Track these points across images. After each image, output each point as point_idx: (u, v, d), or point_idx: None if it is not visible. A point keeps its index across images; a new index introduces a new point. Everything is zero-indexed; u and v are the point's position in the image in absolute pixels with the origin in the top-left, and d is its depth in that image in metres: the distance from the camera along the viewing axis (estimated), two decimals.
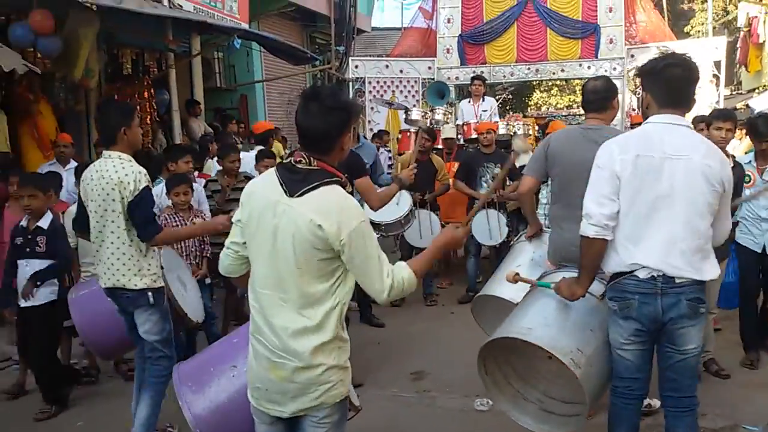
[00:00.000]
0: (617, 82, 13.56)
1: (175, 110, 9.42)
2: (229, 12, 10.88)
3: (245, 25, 11.23)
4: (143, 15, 7.90)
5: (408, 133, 9.46)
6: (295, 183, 2.38)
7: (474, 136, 8.93)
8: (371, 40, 19.45)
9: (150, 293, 3.92)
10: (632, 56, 13.54)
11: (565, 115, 24.64)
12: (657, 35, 13.99)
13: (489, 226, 7.38)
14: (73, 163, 6.37)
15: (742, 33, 16.64)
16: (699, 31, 21.11)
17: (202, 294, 5.18)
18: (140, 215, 3.80)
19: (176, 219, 5.52)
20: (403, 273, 2.47)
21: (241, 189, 5.85)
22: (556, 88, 30.28)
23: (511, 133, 9.00)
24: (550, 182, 4.34)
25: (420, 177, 6.92)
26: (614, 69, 13.54)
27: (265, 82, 13.37)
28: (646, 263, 2.93)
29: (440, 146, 8.97)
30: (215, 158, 6.92)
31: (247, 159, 7.12)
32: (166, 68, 9.68)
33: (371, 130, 13.37)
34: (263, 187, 2.52)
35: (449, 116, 9.39)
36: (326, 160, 2.44)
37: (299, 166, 2.41)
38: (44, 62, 8.02)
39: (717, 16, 16.71)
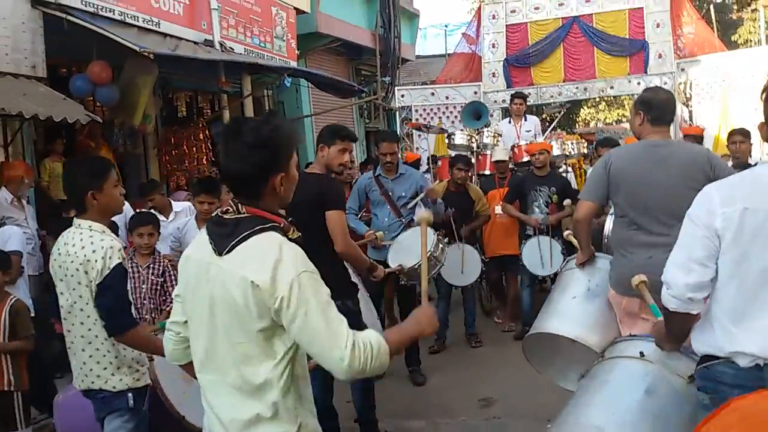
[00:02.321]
0: None
1: None
2: (278, 51, 11.12)
3: (294, 63, 11.47)
4: (197, 60, 8.14)
5: (449, 159, 8.55)
6: (223, 238, 2.01)
7: (525, 159, 8.30)
8: (415, 68, 19.57)
9: (130, 395, 3.18)
10: (682, 70, 13.33)
11: (616, 131, 24.29)
12: (706, 47, 13.75)
13: (541, 255, 6.82)
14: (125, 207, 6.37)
15: None
16: (748, 40, 20.64)
17: None
18: (108, 302, 3.03)
19: (132, 265, 4.81)
20: (370, 337, 1.97)
21: None
22: (604, 103, 29.87)
23: (566, 153, 8.66)
24: (612, 206, 3.99)
25: (455, 208, 6.75)
26: (665, 83, 13.31)
27: (314, 116, 13.55)
28: (750, 350, 2.23)
29: (488, 171, 8.55)
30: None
31: None
32: (219, 109, 9.91)
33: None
34: (197, 249, 2.13)
35: (498, 138, 8.90)
36: (260, 205, 2.05)
37: (227, 216, 2.04)
38: (102, 110, 8.32)
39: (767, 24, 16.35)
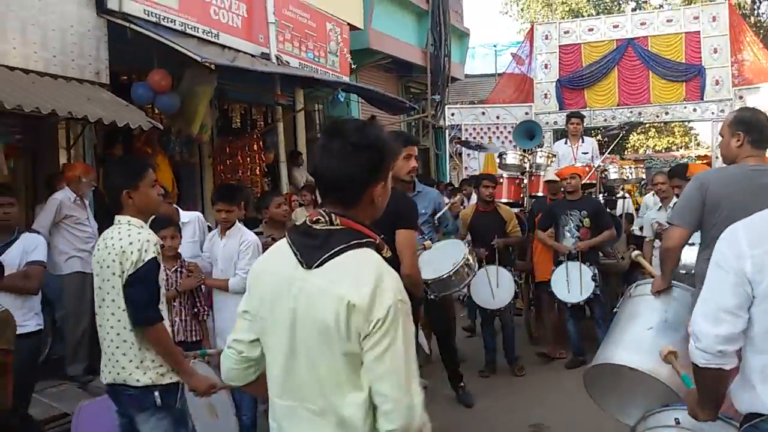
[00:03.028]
0: None
1: (282, 161, 9.68)
2: (332, 66, 11.19)
3: (346, 78, 11.53)
4: (255, 72, 8.21)
5: (500, 179, 8.29)
6: (312, 250, 1.82)
7: (584, 180, 7.79)
8: (464, 88, 19.54)
9: (157, 392, 3.08)
10: (740, 97, 13.03)
11: (665, 159, 23.92)
12: (765, 73, 13.45)
13: (569, 281, 6.59)
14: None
15: None
16: None
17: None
18: (137, 294, 3.02)
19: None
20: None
21: None
22: (654, 130, 29.46)
23: (624, 178, 8.42)
24: (701, 232, 3.65)
25: (484, 229, 6.62)
26: (722, 111, 13.03)
27: None
28: None
29: (541, 193, 8.21)
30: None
31: None
32: (273, 121, 10.00)
33: (467, 176, 13.34)
34: (274, 262, 1.94)
35: (552, 159, 8.61)
36: (353, 217, 1.86)
37: (317, 227, 1.83)
38: (161, 118, 8.44)
39: None
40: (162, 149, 8.64)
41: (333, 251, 1.79)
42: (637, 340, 3.49)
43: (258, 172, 9.88)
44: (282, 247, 1.92)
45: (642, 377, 3.25)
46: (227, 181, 9.57)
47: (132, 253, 3.01)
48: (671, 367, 3.26)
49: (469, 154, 13.29)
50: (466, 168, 13.37)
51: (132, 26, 7.35)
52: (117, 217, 3.17)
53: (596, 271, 6.59)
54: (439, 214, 5.61)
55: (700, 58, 13.14)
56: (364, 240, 1.83)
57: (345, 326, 1.73)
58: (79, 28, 6.99)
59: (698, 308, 2.15)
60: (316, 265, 1.80)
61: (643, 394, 3.35)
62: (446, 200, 9.65)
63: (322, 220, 1.84)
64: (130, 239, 3.05)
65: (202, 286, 4.93)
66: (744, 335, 2.06)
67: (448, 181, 14.00)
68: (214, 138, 9.79)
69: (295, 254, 1.84)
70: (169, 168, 8.55)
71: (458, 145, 13.00)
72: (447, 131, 13.95)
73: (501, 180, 8.28)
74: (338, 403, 1.79)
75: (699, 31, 13.11)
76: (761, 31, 19.95)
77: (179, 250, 4.87)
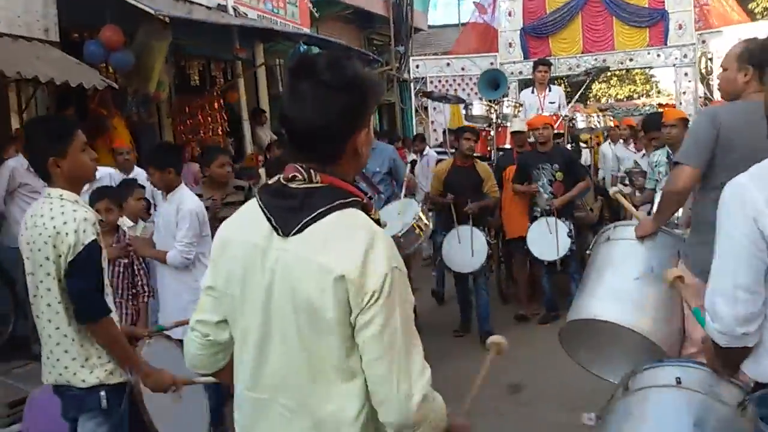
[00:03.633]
0: (688, 70, 13.12)
1: (245, 120, 9.41)
2: (291, 18, 10.86)
3: (307, 30, 11.21)
4: (212, 25, 7.89)
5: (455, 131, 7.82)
6: (289, 213, 1.54)
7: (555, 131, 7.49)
8: (427, 39, 19.25)
9: (103, 392, 2.70)
10: (703, 42, 13.05)
11: (627, 107, 24.03)
12: (728, 18, 13.47)
13: (546, 238, 6.32)
14: (137, 170, 6.15)
15: None
16: (766, 8, 20.32)
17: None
18: (78, 285, 2.61)
19: None
20: (439, 398, 1.62)
21: (239, 203, 4.75)
22: (616, 78, 29.55)
23: (592, 126, 8.26)
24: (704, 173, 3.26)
25: (460, 186, 6.24)
26: (684, 56, 13.07)
27: None
28: None
29: (508, 145, 7.78)
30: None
31: None
32: (233, 78, 9.68)
33: (434, 131, 13.21)
34: (243, 229, 1.65)
35: (519, 108, 8.22)
36: (335, 172, 1.58)
37: (293, 185, 1.55)
38: (116, 77, 8.09)
39: None
40: (118, 109, 8.28)
41: (315, 214, 1.51)
42: (620, 290, 3.22)
43: (220, 132, 9.59)
44: (252, 209, 1.62)
45: (626, 333, 3.02)
46: (188, 142, 9.28)
47: (68, 235, 2.58)
48: (659, 322, 3.07)
49: (435, 108, 13.12)
50: (432, 122, 13.22)
51: None
52: (46, 190, 2.72)
53: (571, 227, 6.39)
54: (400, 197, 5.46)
55: (663, 2, 13.09)
56: (350, 199, 1.55)
57: (333, 303, 1.48)
58: None
59: (712, 283, 1.92)
60: (294, 231, 1.52)
61: (625, 348, 3.17)
62: (431, 153, 9.59)
63: (300, 176, 1.55)
64: (65, 218, 2.61)
65: (144, 262, 4.46)
66: (765, 308, 1.84)
67: (414, 135, 13.84)
68: (172, 96, 9.44)
69: (269, 219, 1.55)
70: (126, 129, 8.23)
71: (423, 98, 12.81)
72: (412, 84, 13.73)
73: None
74: (321, 397, 1.55)
75: None
76: None
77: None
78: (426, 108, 13.41)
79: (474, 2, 15.58)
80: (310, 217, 1.51)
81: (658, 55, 13.23)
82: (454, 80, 13.44)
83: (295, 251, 1.52)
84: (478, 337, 6.12)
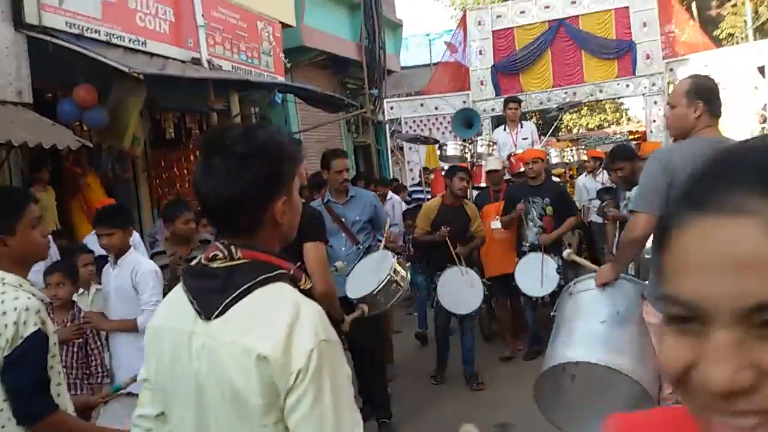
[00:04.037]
0: (657, 98, 13.33)
1: None
2: (266, 67, 10.93)
3: (282, 78, 11.29)
4: (186, 79, 7.91)
5: (442, 172, 7.94)
6: (211, 295, 1.47)
7: (523, 169, 7.30)
8: (400, 79, 19.44)
9: None
10: (671, 70, 13.28)
11: (599, 136, 24.35)
12: (694, 46, 13.75)
13: (534, 273, 6.21)
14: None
15: None
16: (732, 35, 20.79)
17: None
18: (17, 381, 2.27)
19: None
20: None
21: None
22: (586, 108, 30.00)
23: (566, 161, 8.25)
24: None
25: (449, 226, 6.09)
26: (653, 85, 13.28)
27: (302, 132, 13.35)
28: None
29: (484, 184, 7.77)
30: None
31: None
32: (208, 129, 9.67)
33: (410, 170, 13.25)
34: (170, 315, 1.59)
35: (494, 147, 8.27)
36: (257, 245, 1.51)
37: (214, 265, 1.49)
38: (90, 134, 8.06)
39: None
40: (93, 168, 8.25)
41: (236, 293, 1.44)
42: (590, 334, 3.22)
43: None
44: (179, 293, 1.56)
45: (601, 377, 2.93)
46: (164, 196, 9.22)
47: (6, 327, 2.26)
48: (635, 362, 3.02)
49: (410, 148, 13.16)
50: (408, 162, 13.28)
51: (53, 40, 6.95)
52: None
53: (560, 263, 6.18)
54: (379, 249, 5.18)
55: (631, 33, 13.33)
56: (275, 273, 1.47)
57: (259, 386, 1.38)
58: None
59: None
60: (217, 313, 1.44)
61: (603, 402, 3.06)
62: (395, 197, 9.52)
63: (220, 255, 1.48)
64: (3, 307, 2.29)
65: (99, 339, 4.19)
66: None
67: (391, 176, 13.87)
68: (147, 151, 9.42)
69: (192, 302, 1.48)
70: (100, 187, 8.19)
71: (399, 140, 12.88)
72: (387, 125, 13.81)
73: (443, 173, 7.79)
74: None
75: (628, 6, 13.29)
76: (684, 1, 20.44)
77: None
78: (401, 148, 13.46)
79: (445, 42, 15.80)
80: (231, 297, 1.44)
81: (627, 86, 13.42)
82: (428, 120, 13.52)
83: (218, 335, 1.44)
84: (462, 378, 6.14)
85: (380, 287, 4.67)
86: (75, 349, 4.01)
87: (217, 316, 1.44)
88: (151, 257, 4.75)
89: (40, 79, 7.07)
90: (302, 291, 1.51)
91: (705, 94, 3.17)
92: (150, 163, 9.69)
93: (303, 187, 6.16)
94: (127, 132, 7.70)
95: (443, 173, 7.76)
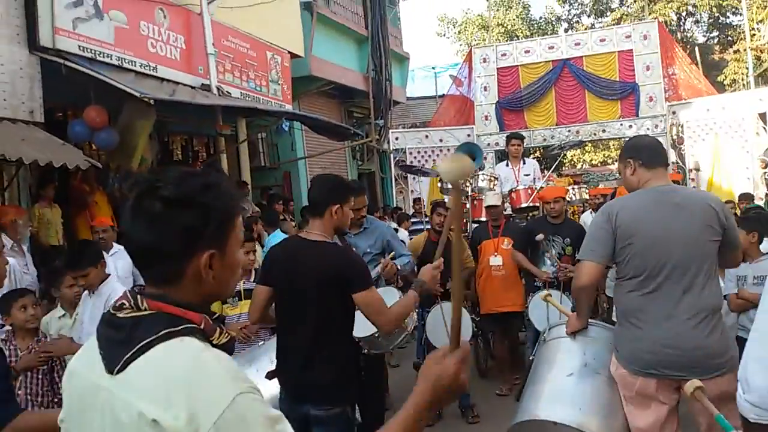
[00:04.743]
0: (660, 140, 13.50)
1: None
2: (273, 95, 11.10)
3: (289, 107, 11.46)
4: (195, 105, 8.08)
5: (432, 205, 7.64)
6: (115, 347, 1.34)
7: (524, 205, 7.69)
8: (405, 111, 19.69)
9: None
10: (673, 112, 13.48)
11: (602, 172, 24.53)
12: (697, 89, 13.96)
13: (550, 312, 5.87)
14: (117, 248, 5.99)
15: None
16: (734, 81, 21.06)
17: None
18: None
19: (10, 346, 3.92)
20: None
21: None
22: (590, 145, 30.24)
23: (567, 199, 7.92)
24: (616, 266, 3.32)
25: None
26: (656, 126, 13.48)
27: (308, 158, 13.52)
28: None
29: (483, 218, 7.63)
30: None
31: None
32: (215, 152, 9.85)
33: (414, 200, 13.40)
34: (85, 359, 1.44)
35: (494, 182, 8.18)
36: (174, 297, 1.38)
37: (121, 315, 1.36)
38: (99, 154, 8.21)
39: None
40: (101, 186, 8.39)
41: (136, 348, 1.30)
42: (557, 389, 3.21)
43: None
44: (93, 341, 1.42)
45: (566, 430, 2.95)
46: None
47: None
48: (601, 418, 3.05)
49: (414, 178, 13.33)
50: (412, 192, 13.42)
51: (66, 63, 7.13)
52: None
53: (574, 301, 6.08)
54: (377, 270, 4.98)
55: (634, 75, 13.58)
56: (181, 327, 1.33)
57: None
58: (11, 66, 6.74)
59: (748, 351, 1.81)
60: (118, 368, 1.30)
61: None
62: (393, 227, 9.56)
63: (127, 304, 1.36)
64: None
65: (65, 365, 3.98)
66: None
67: (394, 205, 14.01)
68: None
69: (100, 352, 1.36)
70: (107, 205, 8.30)
71: (403, 171, 13.01)
72: (391, 155, 13.99)
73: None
74: None
75: (632, 50, 13.55)
76: (687, 47, 20.73)
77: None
78: (405, 177, 13.62)
79: (450, 75, 16.05)
80: (131, 352, 1.30)
81: (630, 126, 13.62)
82: (433, 151, 13.73)
83: (119, 393, 1.30)
84: (459, 412, 6.08)
85: None
86: (40, 376, 3.94)
87: (118, 371, 1.31)
88: None
89: (52, 99, 7.24)
90: (216, 346, 1.38)
91: (632, 152, 3.29)
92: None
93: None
94: (135, 153, 7.86)
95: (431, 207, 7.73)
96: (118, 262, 5.67)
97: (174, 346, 1.30)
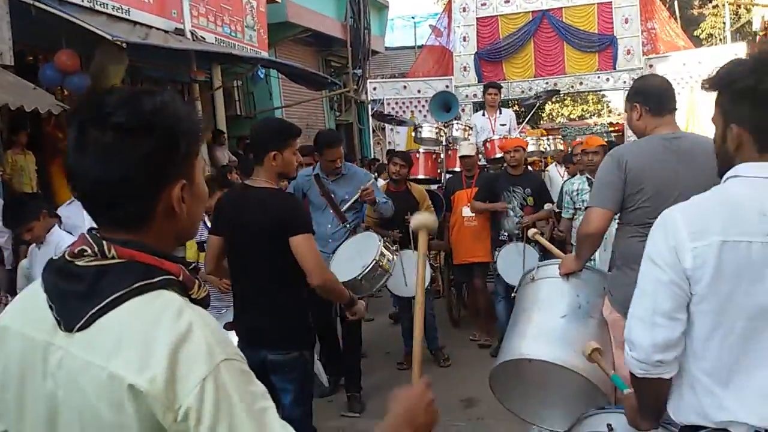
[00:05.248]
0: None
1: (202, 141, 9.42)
2: (249, 41, 10.95)
3: (265, 54, 11.32)
4: (169, 49, 7.95)
5: (417, 155, 7.56)
6: (73, 301, 1.14)
7: (499, 155, 7.46)
8: (384, 61, 19.50)
9: None
10: (650, 66, 13.48)
11: (579, 126, 24.63)
12: (674, 44, 13.97)
13: (513, 262, 6.03)
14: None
15: (758, 37, 16.58)
16: (711, 35, 21.08)
17: None
18: None
19: None
20: None
21: None
22: (569, 99, 30.27)
23: (542, 149, 8.25)
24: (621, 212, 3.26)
25: (396, 211, 5.80)
26: (633, 80, 13.46)
27: (285, 108, 13.40)
28: (745, 418, 1.74)
29: (457, 168, 7.59)
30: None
31: None
32: (190, 100, 9.71)
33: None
34: (23, 315, 1.25)
35: (469, 132, 8.16)
36: (141, 242, 1.19)
37: (80, 263, 1.16)
38: (71, 99, 8.08)
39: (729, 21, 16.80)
40: None
41: (104, 303, 1.12)
42: (549, 329, 3.13)
43: None
44: (37, 291, 1.22)
45: (558, 372, 2.92)
46: None
47: None
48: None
49: (392, 129, 13.29)
50: (389, 143, 13.39)
51: (36, 3, 6.97)
52: None
53: (541, 253, 5.93)
54: (349, 203, 5.15)
55: (612, 28, 13.50)
56: (157, 279, 1.16)
57: (136, 422, 1.08)
58: None
59: (632, 310, 1.89)
60: (79, 325, 1.12)
61: (559, 392, 3.06)
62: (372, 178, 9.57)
63: (89, 251, 1.16)
64: None
65: None
66: (683, 339, 1.80)
67: (372, 156, 13.99)
68: None
69: (51, 307, 1.16)
70: None
71: (375, 119, 12.94)
72: (369, 105, 13.90)
73: (417, 155, 7.53)
74: None
75: (611, 2, 13.45)
76: (667, 1, 20.67)
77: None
78: (383, 128, 13.57)
79: (430, 25, 15.87)
80: (98, 307, 1.12)
81: (608, 79, 13.61)
82: (411, 102, 13.63)
83: (80, 353, 1.12)
84: (431, 358, 6.19)
85: (365, 272, 4.59)
86: None
87: (80, 329, 1.13)
88: None
89: (22, 42, 7.08)
90: (194, 301, 1.22)
91: (640, 97, 3.20)
92: None
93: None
94: None
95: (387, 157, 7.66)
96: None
97: (151, 301, 1.14)
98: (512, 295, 3.66)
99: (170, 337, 1.09)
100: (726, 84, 1.80)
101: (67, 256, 1.18)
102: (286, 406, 3.36)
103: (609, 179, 3.18)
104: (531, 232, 4.07)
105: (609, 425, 2.37)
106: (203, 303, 1.24)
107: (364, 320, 6.89)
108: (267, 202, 3.31)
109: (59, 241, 4.00)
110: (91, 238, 1.18)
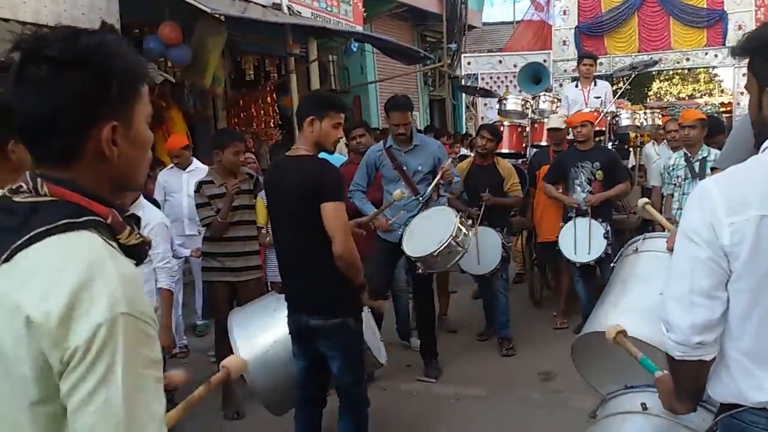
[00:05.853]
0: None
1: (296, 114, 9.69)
2: (344, 16, 11.08)
3: (360, 28, 11.43)
4: (266, 23, 8.18)
5: (501, 128, 7.20)
6: (5, 234, 1.17)
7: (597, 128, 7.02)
8: (481, 36, 19.24)
9: None
10: None
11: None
12: None
13: (576, 239, 5.87)
14: (195, 165, 6.21)
15: None
16: None
17: None
18: None
19: None
20: None
21: (248, 192, 4.56)
22: (678, 77, 28.94)
23: (637, 124, 7.63)
24: None
25: (479, 187, 5.85)
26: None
27: (378, 82, 13.51)
28: None
29: (545, 142, 7.35)
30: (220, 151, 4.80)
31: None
32: (286, 73, 9.98)
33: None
34: None
35: (557, 104, 7.81)
36: (74, 181, 1.21)
37: (18, 199, 1.19)
38: (174, 71, 8.47)
39: None
40: (176, 103, 8.69)
41: (27, 237, 1.14)
42: (644, 304, 2.91)
43: (272, 124, 9.93)
44: None
45: (645, 351, 2.64)
46: (243, 133, 9.63)
47: None
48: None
49: (485, 104, 13.16)
50: (482, 118, 13.27)
51: None
52: None
53: (609, 228, 5.87)
54: (431, 187, 5.06)
55: (723, 2, 12.81)
56: (83, 219, 1.17)
57: (28, 356, 1.08)
58: None
59: (668, 290, 1.79)
60: (4, 258, 1.15)
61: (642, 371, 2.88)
62: (463, 150, 9.49)
63: (25, 188, 1.19)
64: None
65: None
66: (724, 318, 1.72)
67: (464, 131, 13.92)
68: (227, 91, 9.82)
69: None
70: (183, 122, 8.62)
71: (463, 93, 12.76)
72: (463, 81, 13.80)
73: (502, 128, 7.21)
74: None
75: None
76: None
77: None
78: (475, 104, 13.46)
79: (531, 0, 15.54)
80: (20, 241, 1.14)
81: (716, 56, 12.95)
82: (506, 77, 13.43)
83: (1, 285, 1.14)
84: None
85: (440, 248, 4.59)
86: None
87: (4, 262, 1.15)
88: (200, 186, 4.77)
89: (128, 15, 7.47)
90: (123, 246, 1.22)
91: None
92: (229, 102, 10.12)
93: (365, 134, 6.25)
94: (208, 71, 8.06)
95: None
96: (191, 178, 5.73)
97: (70, 239, 1.14)
98: (611, 264, 3.47)
99: (77, 277, 1.08)
100: (758, 48, 1.70)
101: (6, 192, 1.20)
102: (335, 374, 3.43)
103: (741, 142, 2.84)
104: (641, 201, 3.68)
105: (643, 404, 2.28)
106: (135, 251, 1.25)
107: (450, 292, 6.97)
108: (301, 168, 3.34)
109: (142, 211, 4.04)
110: (29, 176, 1.19)
